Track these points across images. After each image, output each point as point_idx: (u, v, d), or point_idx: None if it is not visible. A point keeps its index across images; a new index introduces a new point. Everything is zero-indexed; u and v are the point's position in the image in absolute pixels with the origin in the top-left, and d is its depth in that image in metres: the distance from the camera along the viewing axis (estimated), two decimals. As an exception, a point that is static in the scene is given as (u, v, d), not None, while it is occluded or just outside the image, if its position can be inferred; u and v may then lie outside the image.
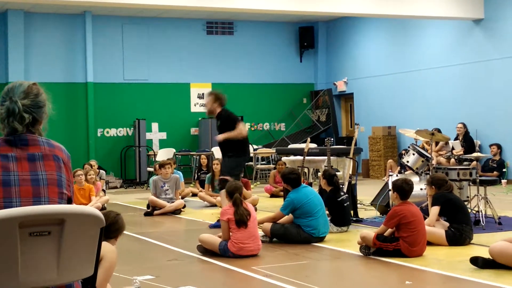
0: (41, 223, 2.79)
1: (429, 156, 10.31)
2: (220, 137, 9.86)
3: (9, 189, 3.00)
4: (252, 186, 14.34)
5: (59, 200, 3.09)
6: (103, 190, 13.54)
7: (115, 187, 18.16)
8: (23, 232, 2.75)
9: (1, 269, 2.76)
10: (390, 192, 8.13)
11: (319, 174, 9.52)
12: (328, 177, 9.08)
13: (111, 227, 4.72)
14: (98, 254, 3.04)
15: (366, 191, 13.26)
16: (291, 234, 8.17)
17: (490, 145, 15.95)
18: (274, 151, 17.85)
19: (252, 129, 20.97)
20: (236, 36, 20.94)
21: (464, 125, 16.33)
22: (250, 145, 18.14)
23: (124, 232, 5.17)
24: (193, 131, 20.44)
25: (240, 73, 20.81)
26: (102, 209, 10.93)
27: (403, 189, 7.27)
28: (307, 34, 21.53)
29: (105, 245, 4.15)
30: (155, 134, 19.97)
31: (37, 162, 3.10)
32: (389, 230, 7.24)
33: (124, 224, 4.96)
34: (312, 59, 21.92)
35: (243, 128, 9.91)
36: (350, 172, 10.76)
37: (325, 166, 10.30)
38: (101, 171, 15.46)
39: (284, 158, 13.17)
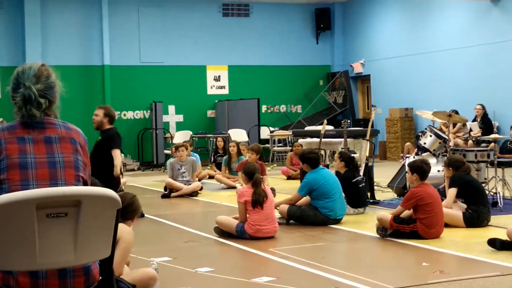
0: (58, 204, 2.81)
1: (447, 137, 10.25)
2: None
3: (26, 172, 3.00)
4: (269, 168, 14.34)
5: (76, 182, 3.09)
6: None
7: (133, 170, 18.24)
8: (40, 214, 2.77)
9: (19, 250, 2.79)
10: (407, 174, 8.09)
11: (336, 155, 9.47)
12: (347, 160, 9.05)
13: (128, 209, 4.74)
14: (115, 236, 3.05)
15: (383, 173, 13.21)
16: (308, 216, 8.17)
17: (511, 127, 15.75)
18: (291, 133, 17.81)
19: (269, 111, 20.95)
20: (252, 18, 20.86)
21: (483, 107, 16.19)
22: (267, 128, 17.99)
23: (141, 214, 5.20)
24: (210, 113, 20.45)
25: (256, 55, 20.76)
26: (119, 191, 10.97)
27: (423, 169, 7.23)
28: (324, 16, 21.40)
29: (122, 226, 4.17)
30: (172, 117, 20.00)
31: (53, 144, 3.10)
32: (406, 211, 7.23)
33: (140, 205, 4.98)
34: (329, 40, 21.81)
35: None
36: (367, 154, 10.74)
37: (341, 148, 10.28)
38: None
39: (300, 140, 13.17)
